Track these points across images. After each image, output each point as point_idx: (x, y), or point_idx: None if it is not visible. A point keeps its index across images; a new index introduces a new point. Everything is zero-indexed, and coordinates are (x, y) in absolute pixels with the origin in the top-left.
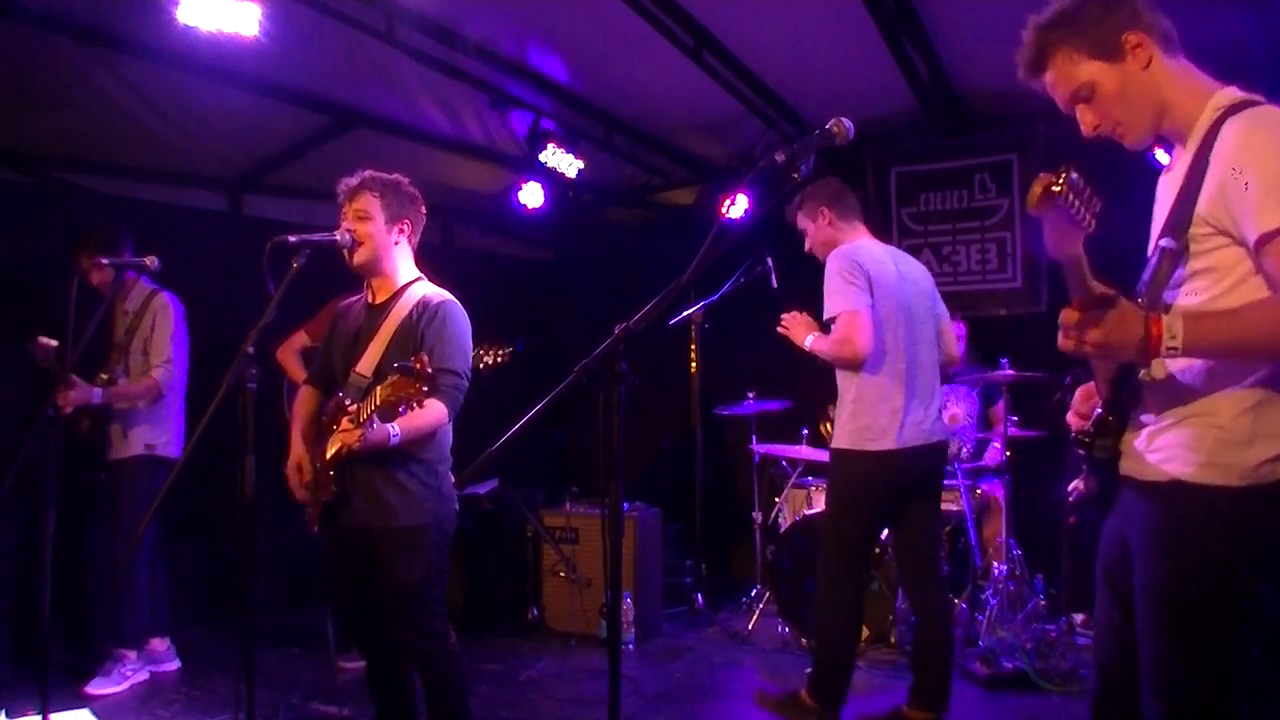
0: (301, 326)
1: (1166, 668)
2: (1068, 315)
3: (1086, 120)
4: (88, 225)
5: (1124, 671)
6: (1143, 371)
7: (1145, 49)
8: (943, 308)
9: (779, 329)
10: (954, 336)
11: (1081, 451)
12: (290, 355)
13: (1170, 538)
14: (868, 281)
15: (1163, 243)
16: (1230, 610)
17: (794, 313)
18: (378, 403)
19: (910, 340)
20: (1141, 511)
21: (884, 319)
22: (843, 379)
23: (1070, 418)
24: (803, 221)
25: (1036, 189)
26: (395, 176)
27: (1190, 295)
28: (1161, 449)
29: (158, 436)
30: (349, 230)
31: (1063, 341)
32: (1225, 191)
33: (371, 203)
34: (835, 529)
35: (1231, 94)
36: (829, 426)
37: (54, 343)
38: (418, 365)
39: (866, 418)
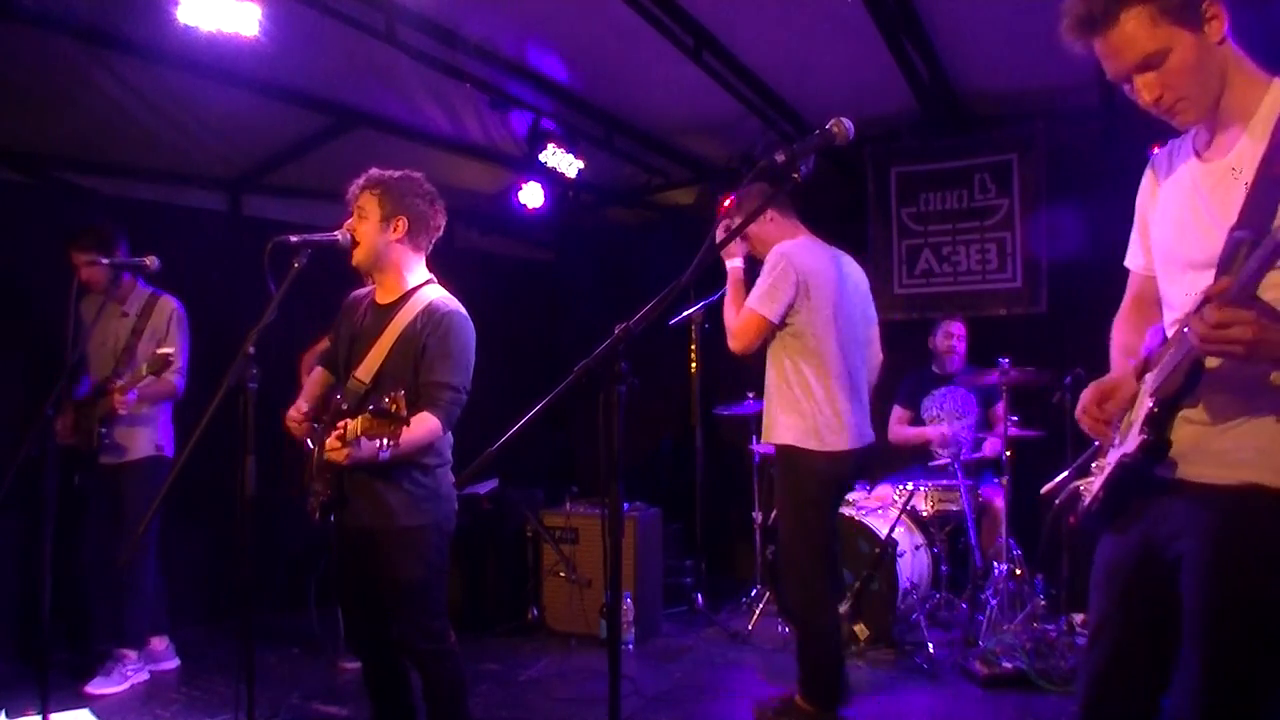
0: (326, 334)
1: (1210, 700)
2: (1222, 314)
3: (1150, 89)
4: (87, 225)
5: (1124, 690)
6: (1275, 374)
7: (1222, 21)
8: (874, 313)
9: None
10: (879, 347)
11: (1141, 454)
12: (311, 360)
13: (1248, 548)
14: (797, 290)
15: (1237, 234)
16: None
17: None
18: (359, 432)
19: (849, 342)
20: (1201, 524)
21: (824, 321)
22: (779, 374)
23: (1086, 420)
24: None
25: None
26: (401, 173)
27: (1273, 289)
28: (1234, 449)
29: (163, 438)
30: (349, 229)
31: (1205, 343)
32: None
33: (369, 200)
34: (801, 528)
35: None
36: None
37: None
38: (393, 407)
39: (818, 417)
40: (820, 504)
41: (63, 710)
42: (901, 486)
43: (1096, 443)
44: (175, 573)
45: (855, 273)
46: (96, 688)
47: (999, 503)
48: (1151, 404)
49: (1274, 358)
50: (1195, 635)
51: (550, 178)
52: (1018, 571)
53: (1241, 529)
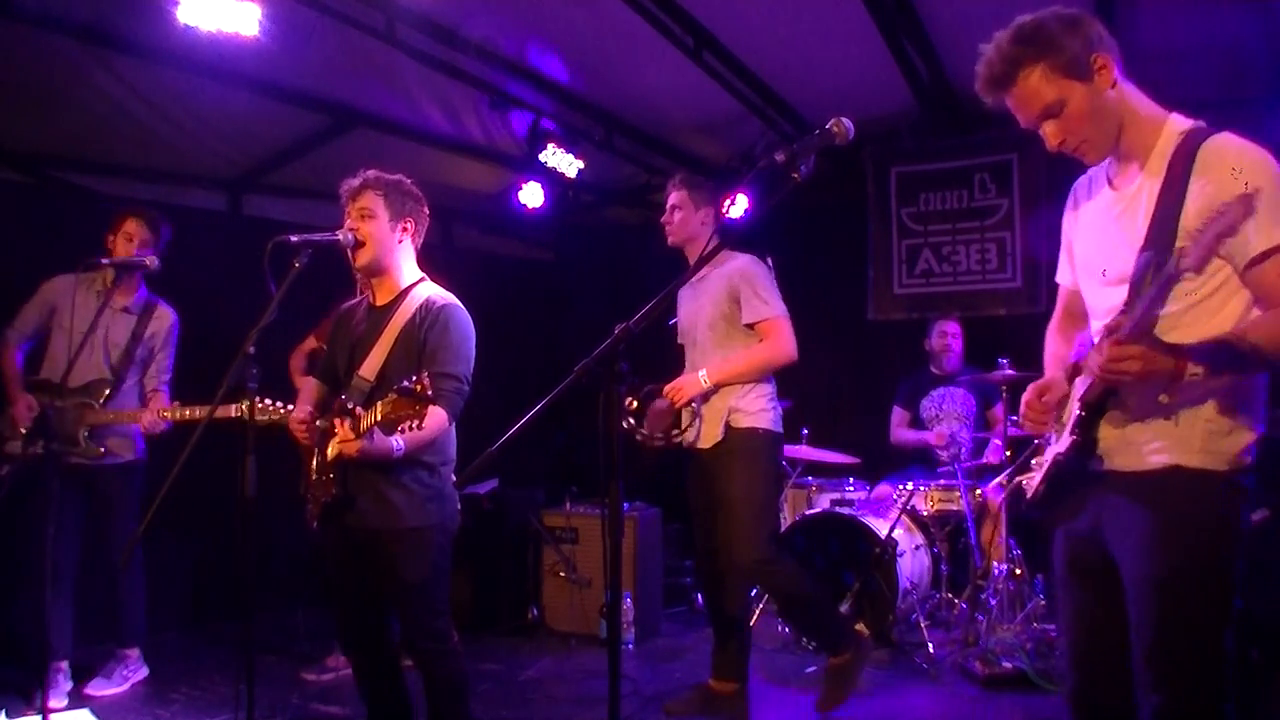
0: (311, 331)
1: (1168, 657)
2: (1114, 350)
3: (1054, 134)
4: (87, 225)
5: (1109, 667)
6: (1162, 396)
7: (1110, 71)
8: None
9: (673, 400)
10: None
11: (1073, 452)
12: (299, 359)
13: (1174, 525)
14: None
15: (1144, 255)
16: (1229, 596)
17: (674, 385)
18: (378, 417)
19: None
20: (1134, 504)
21: None
22: None
23: (1027, 423)
24: (681, 199)
25: None
26: (398, 176)
27: (1175, 301)
28: (1154, 440)
29: (141, 441)
30: (352, 229)
31: (1103, 373)
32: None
33: (375, 201)
34: (766, 504)
35: (1183, 119)
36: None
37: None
38: (418, 387)
39: (770, 402)
40: (778, 482)
41: (63, 710)
42: (901, 486)
43: (1036, 441)
44: (175, 573)
45: None
46: (96, 688)
47: (999, 502)
48: (1079, 409)
49: (1161, 384)
50: (1145, 604)
51: (550, 178)
52: (1018, 571)
53: (1170, 504)
